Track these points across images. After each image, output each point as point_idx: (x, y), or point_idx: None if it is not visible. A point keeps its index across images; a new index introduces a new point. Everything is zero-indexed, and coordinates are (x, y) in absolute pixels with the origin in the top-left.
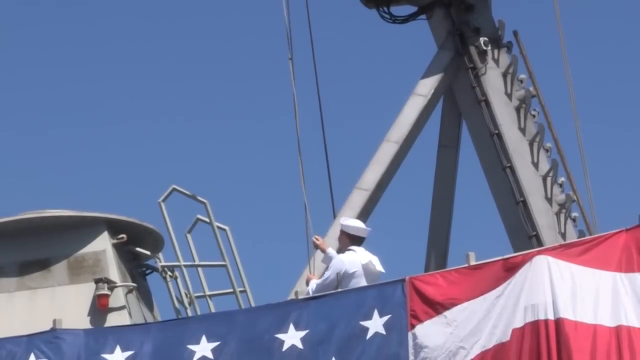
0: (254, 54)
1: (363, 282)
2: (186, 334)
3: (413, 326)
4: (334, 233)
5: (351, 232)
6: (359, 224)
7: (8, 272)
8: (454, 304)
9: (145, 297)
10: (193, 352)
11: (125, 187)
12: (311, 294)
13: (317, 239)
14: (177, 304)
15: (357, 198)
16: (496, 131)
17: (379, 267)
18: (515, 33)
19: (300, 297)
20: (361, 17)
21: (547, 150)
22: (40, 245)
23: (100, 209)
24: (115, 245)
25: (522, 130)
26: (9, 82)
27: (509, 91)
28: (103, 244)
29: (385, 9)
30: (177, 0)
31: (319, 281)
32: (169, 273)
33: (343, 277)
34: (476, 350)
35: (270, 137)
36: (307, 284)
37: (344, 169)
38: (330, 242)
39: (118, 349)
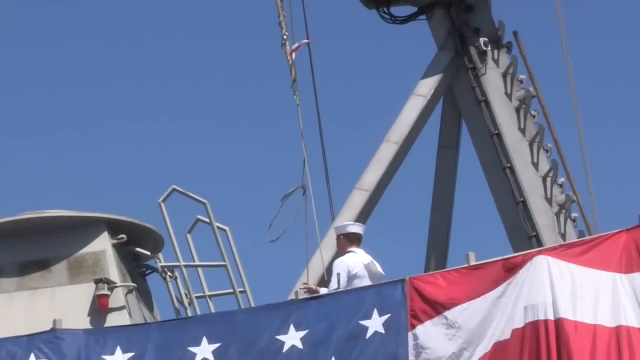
0: (255, 56)
1: (367, 283)
2: (187, 336)
3: (414, 326)
4: (333, 234)
5: (350, 230)
6: (353, 222)
7: (8, 272)
8: (454, 305)
9: (146, 297)
10: (194, 355)
11: (126, 188)
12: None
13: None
14: (177, 305)
15: (357, 199)
16: (496, 132)
17: (380, 269)
18: (515, 34)
19: (301, 297)
20: (361, 18)
21: (547, 151)
22: (40, 246)
23: (100, 210)
24: (115, 246)
25: (522, 131)
26: (9, 83)
27: (509, 92)
28: (103, 244)
29: (385, 9)
30: (177, 2)
31: (333, 288)
32: (169, 273)
33: (348, 279)
34: (480, 353)
35: (271, 138)
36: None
37: (344, 169)
38: (330, 243)
39: (119, 350)
